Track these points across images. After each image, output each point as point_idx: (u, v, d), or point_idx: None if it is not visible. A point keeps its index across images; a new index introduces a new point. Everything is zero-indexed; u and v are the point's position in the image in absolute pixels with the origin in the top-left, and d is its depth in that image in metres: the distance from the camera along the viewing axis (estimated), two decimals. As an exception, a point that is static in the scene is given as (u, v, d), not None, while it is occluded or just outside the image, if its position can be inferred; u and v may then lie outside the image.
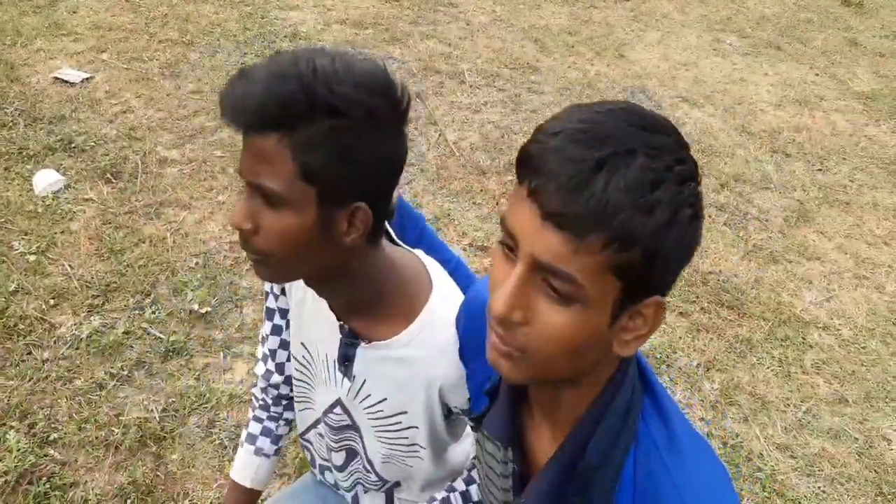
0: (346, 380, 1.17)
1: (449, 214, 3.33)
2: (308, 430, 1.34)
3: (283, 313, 1.31)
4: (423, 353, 1.08)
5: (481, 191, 3.50)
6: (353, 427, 1.24)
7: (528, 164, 0.74)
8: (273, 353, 1.36)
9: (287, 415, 1.44)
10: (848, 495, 2.36)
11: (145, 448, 2.21)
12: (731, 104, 4.59)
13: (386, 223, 1.09)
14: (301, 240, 0.95)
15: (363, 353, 1.13)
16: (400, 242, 1.16)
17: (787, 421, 2.58)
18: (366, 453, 1.25)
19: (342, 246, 0.98)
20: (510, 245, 0.76)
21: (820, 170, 4.05)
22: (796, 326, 2.97)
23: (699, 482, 0.82)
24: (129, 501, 2.06)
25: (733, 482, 2.33)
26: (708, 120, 4.37)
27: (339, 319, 1.13)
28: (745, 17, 5.93)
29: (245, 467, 1.40)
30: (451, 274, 1.19)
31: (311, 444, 1.37)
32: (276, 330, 1.33)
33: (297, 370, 1.29)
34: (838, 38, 5.78)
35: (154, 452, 2.20)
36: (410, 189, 3.45)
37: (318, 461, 1.39)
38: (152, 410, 2.30)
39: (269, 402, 1.42)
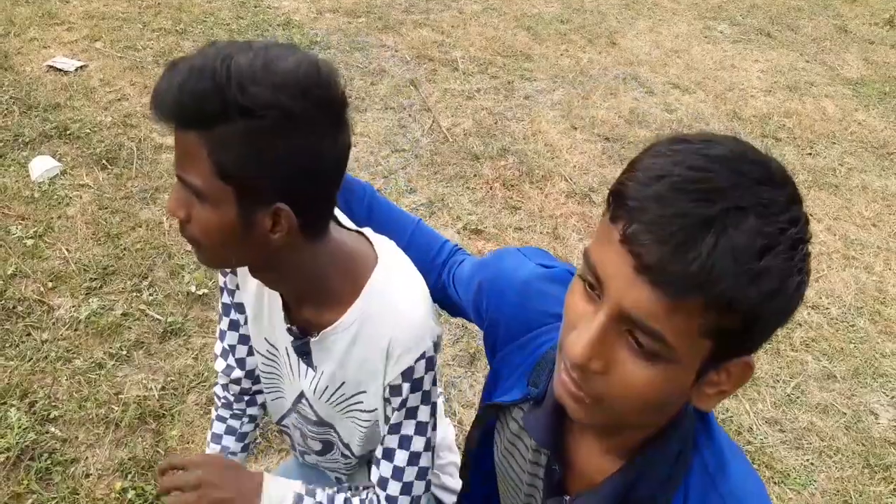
0: (309, 370, 1.18)
1: (443, 199, 3.36)
2: (283, 418, 1.34)
3: (239, 308, 1.29)
4: (369, 328, 1.07)
5: (475, 176, 3.54)
6: (322, 423, 1.24)
7: (624, 204, 0.68)
8: (233, 348, 1.34)
9: (250, 411, 1.42)
10: (836, 467, 2.41)
11: (145, 425, 2.24)
12: (722, 90, 4.63)
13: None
14: (225, 234, 0.95)
15: (317, 346, 1.13)
16: (346, 223, 1.15)
17: (777, 396, 2.63)
18: (342, 441, 1.26)
19: (269, 242, 0.97)
20: (593, 284, 0.72)
21: (810, 154, 4.10)
22: (786, 305, 3.01)
23: (747, 499, 0.82)
24: (129, 476, 2.09)
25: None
26: (699, 106, 4.41)
27: (288, 308, 1.13)
28: (735, 5, 5.97)
29: None
30: (410, 240, 1.20)
31: (289, 429, 1.37)
32: (234, 325, 1.32)
33: (263, 363, 1.28)
34: (828, 26, 5.83)
35: (153, 429, 2.23)
36: (405, 174, 3.49)
37: (298, 447, 1.40)
38: (151, 389, 2.33)
39: (231, 398, 1.41)
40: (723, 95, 4.57)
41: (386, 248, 1.12)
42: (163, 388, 2.34)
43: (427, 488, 1.15)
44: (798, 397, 2.63)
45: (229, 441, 1.40)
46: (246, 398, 1.41)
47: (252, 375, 1.37)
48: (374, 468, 1.15)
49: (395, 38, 4.62)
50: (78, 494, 2.03)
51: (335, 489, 1.17)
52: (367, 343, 1.08)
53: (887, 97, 4.84)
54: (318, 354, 1.14)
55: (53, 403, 2.25)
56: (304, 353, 1.16)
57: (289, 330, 1.14)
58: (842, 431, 2.53)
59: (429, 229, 1.33)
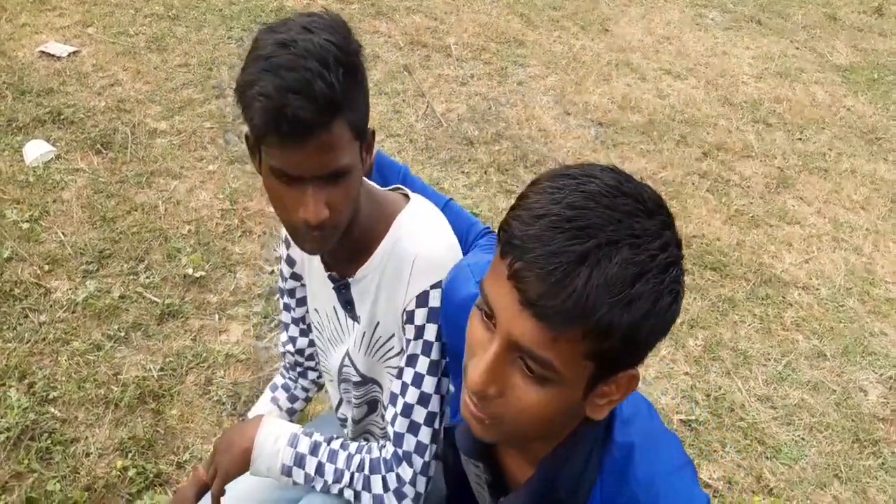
0: (356, 324, 1.23)
1: (438, 183, 3.37)
2: (340, 404, 1.43)
3: (290, 293, 1.40)
4: (396, 257, 1.14)
5: (469, 160, 3.55)
6: (365, 381, 1.30)
7: (510, 242, 0.74)
8: (286, 326, 1.47)
9: (302, 382, 1.53)
10: (826, 442, 2.45)
11: (144, 405, 2.25)
12: (713, 76, 4.65)
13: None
14: (357, 188, 1.06)
15: (355, 288, 1.19)
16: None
17: (768, 374, 2.67)
18: (383, 401, 1.31)
19: (361, 177, 1.08)
20: (488, 313, 0.78)
21: (800, 139, 4.13)
22: (777, 286, 3.06)
23: (657, 484, 0.87)
24: (129, 455, 2.10)
25: (717, 432, 2.41)
26: (691, 92, 4.44)
27: (330, 269, 1.20)
28: (726, -7, 5.99)
29: (260, 411, 1.48)
30: (442, 211, 1.25)
31: (344, 415, 1.44)
32: (286, 307, 1.43)
33: (316, 339, 1.38)
34: (818, 14, 5.86)
35: (153, 409, 2.24)
36: (400, 159, 3.49)
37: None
38: (150, 369, 2.34)
39: (287, 365, 1.53)
40: (714, 81, 4.60)
41: (418, 196, 1.20)
42: (161, 369, 2.36)
43: (434, 439, 1.18)
44: (789, 375, 2.68)
45: (281, 395, 1.51)
46: (298, 370, 1.53)
47: (303, 354, 1.48)
48: (389, 407, 1.19)
49: (389, 25, 4.62)
50: (79, 473, 2.04)
51: (335, 435, 1.22)
52: (394, 270, 1.14)
53: (875, 84, 4.89)
54: (359, 300, 1.20)
55: (52, 384, 2.26)
56: (347, 302, 1.22)
57: (330, 277, 1.21)
58: (832, 408, 2.58)
59: (458, 208, 1.39)
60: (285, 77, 0.92)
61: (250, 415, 1.47)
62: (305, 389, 1.53)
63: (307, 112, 0.92)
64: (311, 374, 1.53)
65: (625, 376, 0.79)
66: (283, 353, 1.51)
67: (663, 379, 2.58)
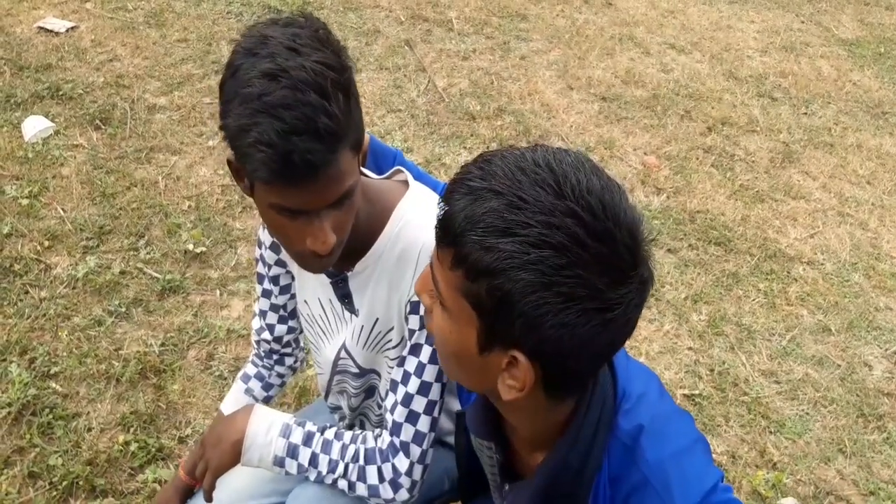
0: (353, 316, 1.21)
1: (440, 158, 3.35)
2: (328, 393, 1.39)
3: (273, 280, 1.36)
4: (397, 247, 1.10)
5: (472, 135, 3.52)
6: (364, 373, 1.27)
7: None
8: (264, 313, 1.42)
9: (278, 369, 1.49)
10: (831, 416, 2.44)
11: (146, 380, 2.25)
12: (718, 51, 4.60)
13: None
14: (359, 197, 1.04)
15: (354, 282, 1.16)
16: (374, 176, 1.20)
17: (772, 349, 2.65)
18: (380, 390, 1.29)
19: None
20: None
21: (805, 113, 4.09)
22: (781, 261, 3.03)
23: (667, 466, 0.87)
24: (131, 430, 2.10)
25: (720, 406, 2.40)
26: (695, 66, 4.39)
27: None
28: (732, -34, 5.90)
29: (234, 403, 1.45)
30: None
31: (336, 404, 1.42)
32: (266, 294, 1.39)
33: (307, 328, 1.34)
34: (825, -13, 5.77)
35: (155, 384, 2.24)
36: (401, 134, 3.46)
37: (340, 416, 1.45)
38: (151, 345, 2.33)
39: (262, 353, 1.48)
40: (719, 56, 4.54)
41: (416, 183, 1.16)
42: (163, 345, 2.35)
43: (433, 427, 1.16)
44: (793, 350, 2.66)
45: (255, 385, 1.49)
46: (274, 357, 1.49)
47: (280, 341, 1.45)
48: (389, 394, 1.17)
49: (389, -1, 4.56)
50: (80, 447, 2.04)
51: (328, 424, 1.20)
52: (398, 260, 1.11)
53: (882, 58, 4.83)
54: (357, 294, 1.17)
55: (53, 360, 2.25)
56: (345, 296, 1.19)
57: (326, 272, 1.16)
58: (836, 382, 2.56)
59: None
60: (285, 118, 0.85)
61: (222, 408, 1.45)
62: (281, 376, 1.50)
63: (316, 154, 0.87)
64: (288, 361, 1.50)
65: (524, 364, 0.77)
66: (258, 342, 1.46)
67: (667, 354, 2.57)
